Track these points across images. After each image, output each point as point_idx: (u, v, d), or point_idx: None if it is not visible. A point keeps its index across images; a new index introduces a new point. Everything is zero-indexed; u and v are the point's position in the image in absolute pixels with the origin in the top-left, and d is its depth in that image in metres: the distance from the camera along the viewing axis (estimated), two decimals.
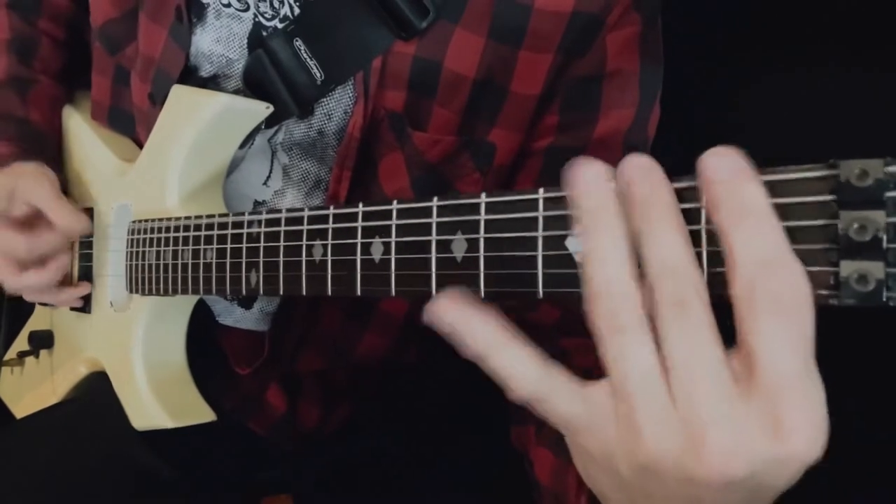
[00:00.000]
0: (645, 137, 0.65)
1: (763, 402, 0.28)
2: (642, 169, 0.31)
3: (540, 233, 0.36)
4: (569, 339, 0.62)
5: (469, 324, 0.33)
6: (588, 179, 0.32)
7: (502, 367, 0.33)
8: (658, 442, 0.30)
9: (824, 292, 0.29)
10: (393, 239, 0.43)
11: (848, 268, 0.28)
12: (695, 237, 0.32)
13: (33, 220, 0.73)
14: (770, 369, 0.28)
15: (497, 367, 0.33)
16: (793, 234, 0.29)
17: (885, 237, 0.28)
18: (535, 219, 0.37)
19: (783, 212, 0.29)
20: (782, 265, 0.28)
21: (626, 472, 0.32)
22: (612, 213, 0.31)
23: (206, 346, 0.75)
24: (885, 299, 0.28)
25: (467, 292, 0.34)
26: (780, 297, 0.28)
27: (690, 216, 0.32)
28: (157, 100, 0.71)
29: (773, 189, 0.30)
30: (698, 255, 0.31)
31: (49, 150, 0.81)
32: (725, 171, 0.29)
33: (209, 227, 0.59)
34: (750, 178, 0.29)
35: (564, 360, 0.63)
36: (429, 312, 0.34)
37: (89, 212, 0.77)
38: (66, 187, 0.80)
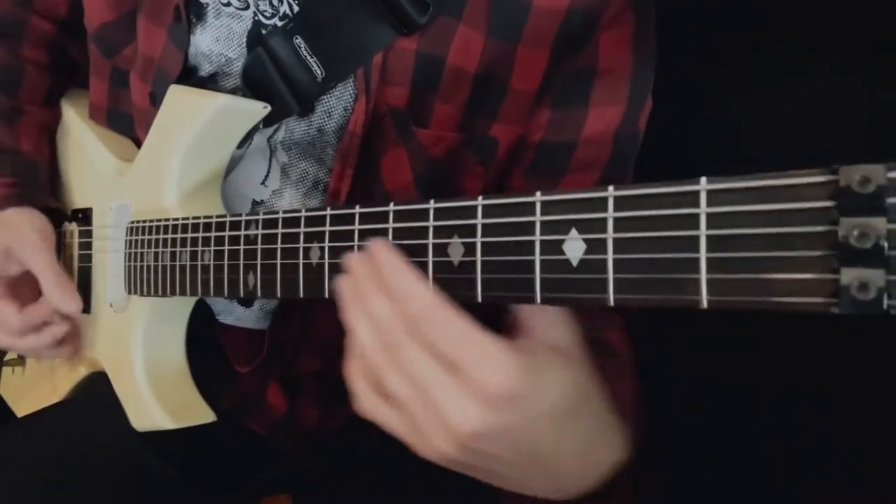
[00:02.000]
0: (636, 132, 0.65)
1: (456, 373, 0.37)
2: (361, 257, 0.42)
3: (537, 237, 0.36)
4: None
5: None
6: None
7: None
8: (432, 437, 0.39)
9: (824, 300, 0.28)
10: (390, 242, 0.43)
11: (848, 275, 0.28)
12: (693, 242, 0.32)
13: (29, 281, 0.73)
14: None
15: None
16: (792, 241, 0.29)
17: (886, 244, 0.27)
18: (533, 223, 0.36)
19: (782, 218, 0.29)
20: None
21: (455, 454, 0.39)
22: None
23: (206, 344, 0.75)
24: (885, 308, 0.27)
25: None
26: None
27: (689, 222, 0.32)
28: (158, 100, 0.71)
29: (772, 194, 0.29)
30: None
31: (42, 178, 0.81)
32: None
33: (206, 228, 0.59)
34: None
35: None
36: None
37: (88, 211, 0.77)
38: (63, 190, 0.80)
